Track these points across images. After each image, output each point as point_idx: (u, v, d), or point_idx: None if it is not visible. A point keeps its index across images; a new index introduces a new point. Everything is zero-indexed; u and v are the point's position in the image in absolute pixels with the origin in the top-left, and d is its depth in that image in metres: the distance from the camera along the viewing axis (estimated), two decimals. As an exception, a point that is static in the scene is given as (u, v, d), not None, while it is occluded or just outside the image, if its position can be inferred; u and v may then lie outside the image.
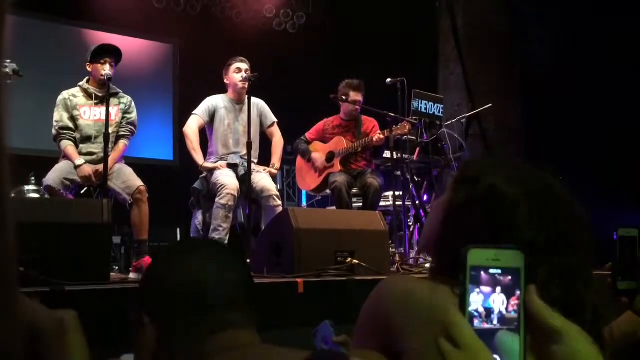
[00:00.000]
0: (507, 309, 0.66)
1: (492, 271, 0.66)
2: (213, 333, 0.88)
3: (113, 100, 3.88)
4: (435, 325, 0.68)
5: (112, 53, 3.93)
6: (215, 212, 3.99)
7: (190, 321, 0.89)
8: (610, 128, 5.92)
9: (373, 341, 0.91)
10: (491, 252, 0.67)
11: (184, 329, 0.88)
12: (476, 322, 0.66)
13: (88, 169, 3.73)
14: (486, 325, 0.66)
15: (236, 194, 4.00)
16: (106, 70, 3.80)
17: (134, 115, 4.07)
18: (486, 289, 0.66)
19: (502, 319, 0.66)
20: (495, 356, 0.65)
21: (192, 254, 0.97)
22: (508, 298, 0.67)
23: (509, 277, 0.67)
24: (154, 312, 0.91)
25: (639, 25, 5.75)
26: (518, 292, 0.67)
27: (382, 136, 4.51)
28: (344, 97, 4.70)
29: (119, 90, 4.05)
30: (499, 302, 0.66)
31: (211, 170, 4.17)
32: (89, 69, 3.96)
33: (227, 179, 4.03)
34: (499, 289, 0.66)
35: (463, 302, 0.66)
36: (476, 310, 0.66)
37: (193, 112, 4.37)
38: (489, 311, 0.66)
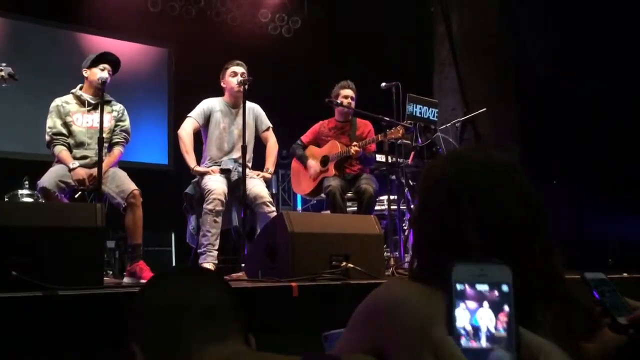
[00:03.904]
0: (495, 326, 0.62)
1: (478, 287, 0.63)
2: (196, 351, 0.90)
3: (106, 108, 3.87)
4: (423, 340, 0.68)
5: (111, 62, 3.94)
6: (203, 217, 3.98)
7: (173, 345, 0.91)
8: (606, 131, 5.95)
9: (363, 337, 0.92)
10: (477, 267, 0.64)
11: (169, 353, 0.91)
12: (463, 340, 0.62)
13: (82, 172, 3.74)
14: (474, 344, 0.62)
15: (223, 199, 3.98)
16: (103, 74, 3.82)
17: (127, 123, 4.08)
18: (472, 305, 0.63)
19: (491, 337, 0.62)
20: None
21: (165, 281, 1.03)
22: (496, 314, 0.63)
23: (496, 292, 0.63)
24: (140, 341, 0.94)
25: (634, 26, 5.78)
26: (506, 308, 0.63)
27: (358, 149, 4.53)
28: (337, 102, 4.71)
29: (111, 98, 4.06)
30: (486, 318, 0.63)
31: (202, 175, 4.16)
32: (85, 74, 3.96)
33: (214, 184, 4.02)
34: (486, 304, 0.63)
35: (450, 320, 0.63)
36: (463, 328, 0.62)
37: (188, 115, 4.37)
38: (476, 329, 0.62)
